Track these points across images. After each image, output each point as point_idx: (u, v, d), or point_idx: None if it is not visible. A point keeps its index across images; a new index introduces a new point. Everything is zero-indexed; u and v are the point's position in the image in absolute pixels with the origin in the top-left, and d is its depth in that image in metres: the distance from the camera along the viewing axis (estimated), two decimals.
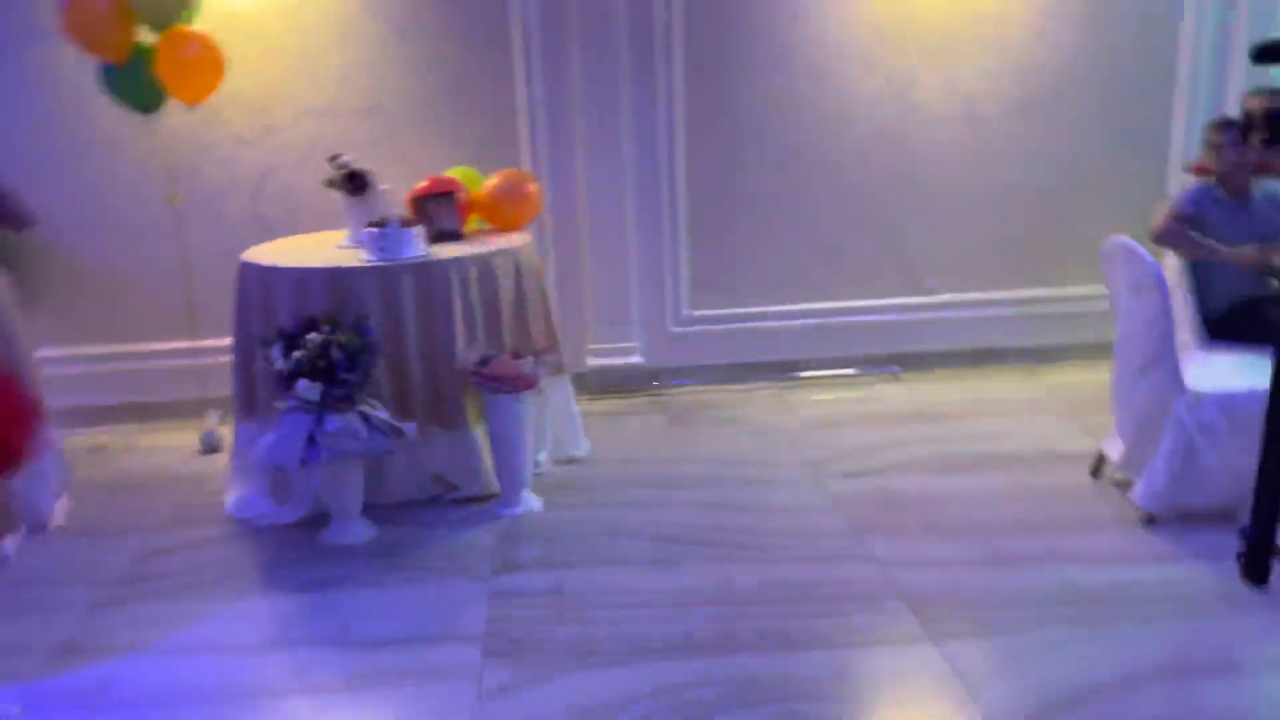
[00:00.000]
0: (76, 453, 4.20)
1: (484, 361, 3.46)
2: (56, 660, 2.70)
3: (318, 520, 3.47)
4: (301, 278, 3.48)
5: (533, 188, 4.14)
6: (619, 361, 4.80)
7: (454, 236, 3.87)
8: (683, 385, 4.87)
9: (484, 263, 3.64)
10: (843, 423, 4.35)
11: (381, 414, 3.34)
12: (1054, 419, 4.28)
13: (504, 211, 4.07)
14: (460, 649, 2.70)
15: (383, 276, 3.48)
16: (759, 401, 4.68)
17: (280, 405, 3.29)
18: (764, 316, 4.90)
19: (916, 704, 2.43)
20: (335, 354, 3.21)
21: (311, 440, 3.21)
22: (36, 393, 3.50)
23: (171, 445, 4.31)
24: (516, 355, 3.54)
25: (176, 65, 3.89)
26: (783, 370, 4.94)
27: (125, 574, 3.21)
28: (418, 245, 3.58)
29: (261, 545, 3.42)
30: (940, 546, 3.19)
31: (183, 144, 4.38)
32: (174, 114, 4.13)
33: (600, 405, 4.68)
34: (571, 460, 4.02)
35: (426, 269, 3.52)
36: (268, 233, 4.34)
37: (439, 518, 3.56)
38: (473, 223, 4.11)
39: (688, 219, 4.78)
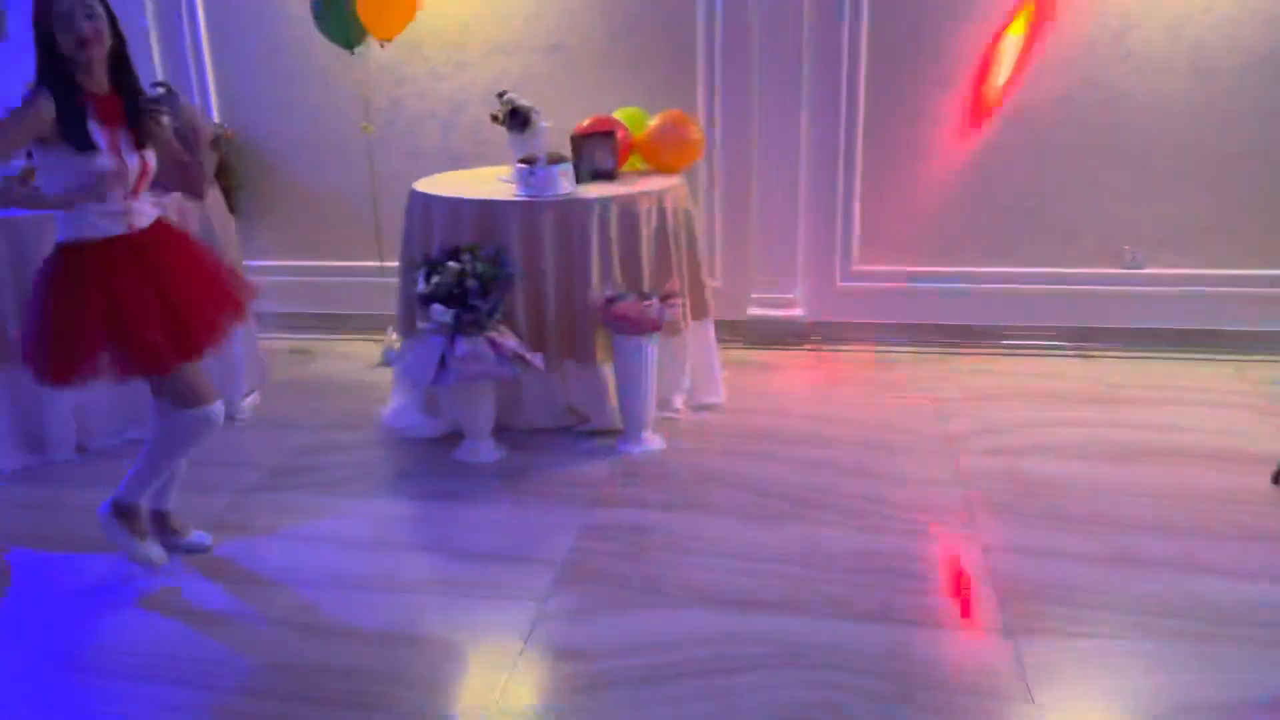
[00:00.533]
0: (278, 354, 4.73)
1: (613, 300, 3.55)
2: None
3: (456, 437, 3.73)
4: (455, 207, 3.70)
5: (693, 131, 4.14)
6: (779, 313, 4.74)
7: (608, 175, 3.95)
8: (842, 342, 4.74)
9: (627, 203, 3.70)
10: (1004, 397, 4.08)
11: (511, 343, 3.51)
12: (1251, 416, 3.80)
13: (662, 154, 4.11)
14: (537, 571, 2.85)
15: (526, 211, 3.63)
16: (922, 367, 4.47)
17: (421, 326, 3.55)
18: (938, 277, 4.64)
19: (965, 694, 2.31)
20: (470, 282, 3.41)
21: (443, 361, 3.44)
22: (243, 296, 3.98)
23: (356, 355, 4.74)
24: (646, 297, 3.59)
25: (371, 3, 4.19)
26: (954, 336, 4.67)
27: (282, 465, 3.62)
28: (562, 183, 3.69)
29: (403, 454, 3.74)
30: (1058, 537, 2.96)
31: (384, 77, 4.73)
32: (375, 49, 4.46)
33: (755, 355, 4.65)
34: (707, 407, 4.04)
35: (568, 206, 3.63)
36: (455, 163, 4.62)
37: (564, 447, 3.72)
38: (633, 163, 4.18)
39: (863, 168, 4.59)
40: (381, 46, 4.43)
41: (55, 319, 2.60)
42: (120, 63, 2.61)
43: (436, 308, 3.40)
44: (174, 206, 3.62)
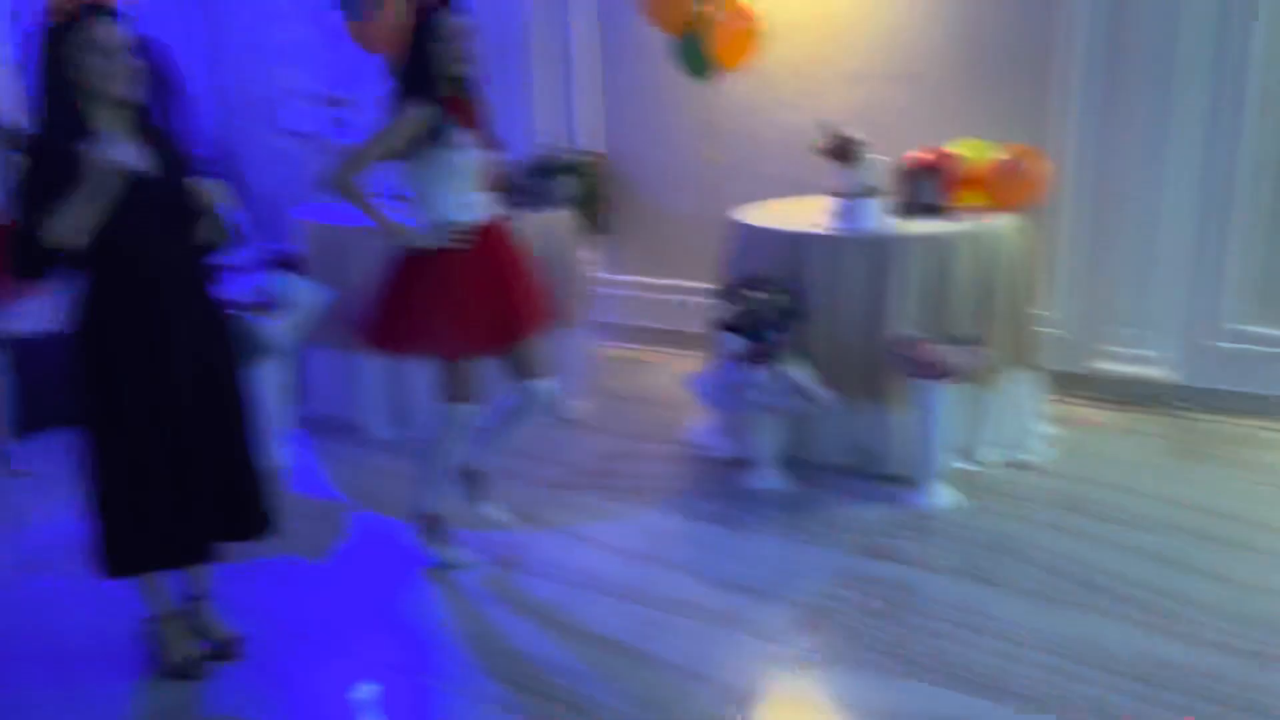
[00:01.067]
0: (617, 362, 5.09)
1: (912, 341, 3.39)
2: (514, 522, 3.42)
3: (748, 462, 3.78)
4: (765, 237, 3.75)
5: (1033, 167, 3.82)
6: (1133, 370, 4.20)
7: (934, 211, 3.78)
8: (1207, 410, 4.09)
9: (944, 242, 3.52)
10: None
11: (802, 377, 3.49)
12: None
13: (1000, 190, 3.84)
14: (780, 609, 2.82)
15: (833, 245, 3.58)
16: None
17: (718, 352, 3.64)
18: None
19: None
20: (766, 312, 3.44)
21: (734, 388, 3.51)
22: (570, 305, 4.35)
23: (682, 371, 4.95)
24: (952, 341, 3.38)
25: (722, 37, 4.36)
26: None
27: (584, 466, 3.90)
28: (875, 218, 3.59)
29: (694, 471, 3.86)
30: None
31: (735, 106, 4.89)
32: (730, 78, 4.63)
33: (1097, 414, 4.17)
34: (1020, 464, 3.71)
35: (878, 242, 3.53)
36: (798, 191, 4.64)
37: (850, 487, 3.62)
38: (970, 198, 3.95)
39: (1250, 212, 3.93)
40: (730, 77, 4.58)
41: (395, 296, 2.96)
42: (472, 68, 2.92)
43: (730, 335, 3.48)
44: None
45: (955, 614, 2.77)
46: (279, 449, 3.97)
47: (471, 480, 3.28)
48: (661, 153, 5.27)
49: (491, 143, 3.04)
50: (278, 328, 3.81)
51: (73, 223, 2.16)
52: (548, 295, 3.22)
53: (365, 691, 2.60)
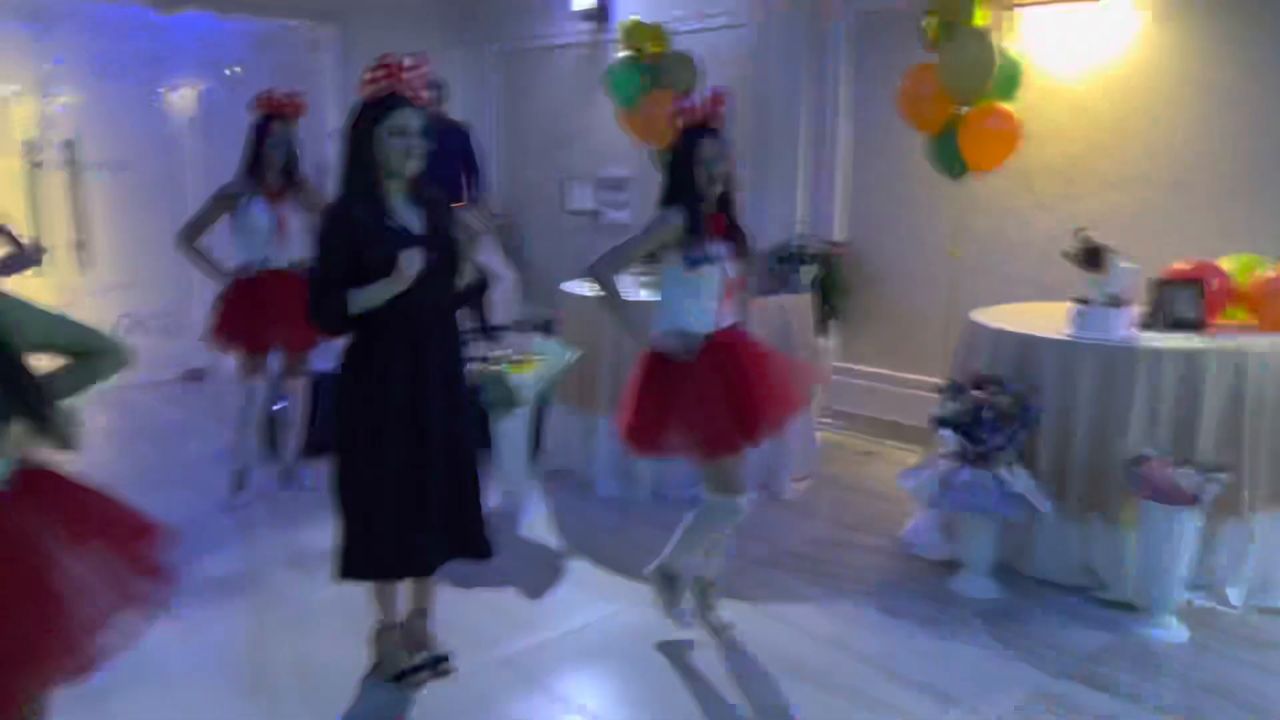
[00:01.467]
0: (844, 450, 5.12)
1: (1146, 461, 3.21)
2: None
3: (959, 565, 3.69)
4: (997, 338, 3.70)
5: None
6: None
7: (1191, 326, 3.58)
8: None
9: (1192, 358, 3.33)
10: None
11: (1020, 484, 3.38)
12: None
13: (1266, 309, 3.58)
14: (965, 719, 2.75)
15: (1066, 351, 3.48)
16: None
17: (937, 449, 3.61)
18: None
19: None
20: (986, 414, 3.39)
21: (946, 486, 3.46)
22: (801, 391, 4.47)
23: (909, 465, 4.90)
24: (1191, 465, 3.17)
25: (977, 137, 4.38)
26: None
27: (792, 549, 3.96)
28: (1117, 327, 3.45)
29: (901, 567, 3.81)
30: None
31: (986, 205, 4.86)
32: (984, 178, 4.63)
33: None
34: (1270, 610, 3.37)
35: (1114, 353, 3.40)
36: (1044, 295, 4.53)
37: (1066, 607, 3.44)
38: (1231, 315, 3.71)
39: None
40: (985, 177, 4.58)
41: (644, 398, 3.12)
42: (728, 185, 3.11)
43: (945, 433, 3.45)
44: (756, 303, 4.24)
45: None
46: (517, 493, 4.35)
47: (701, 589, 3.35)
48: (905, 247, 5.32)
49: (743, 252, 3.15)
50: (527, 381, 4.21)
51: (371, 303, 2.59)
52: (790, 390, 3.25)
53: None
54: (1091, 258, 3.85)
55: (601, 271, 3.08)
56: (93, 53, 6.55)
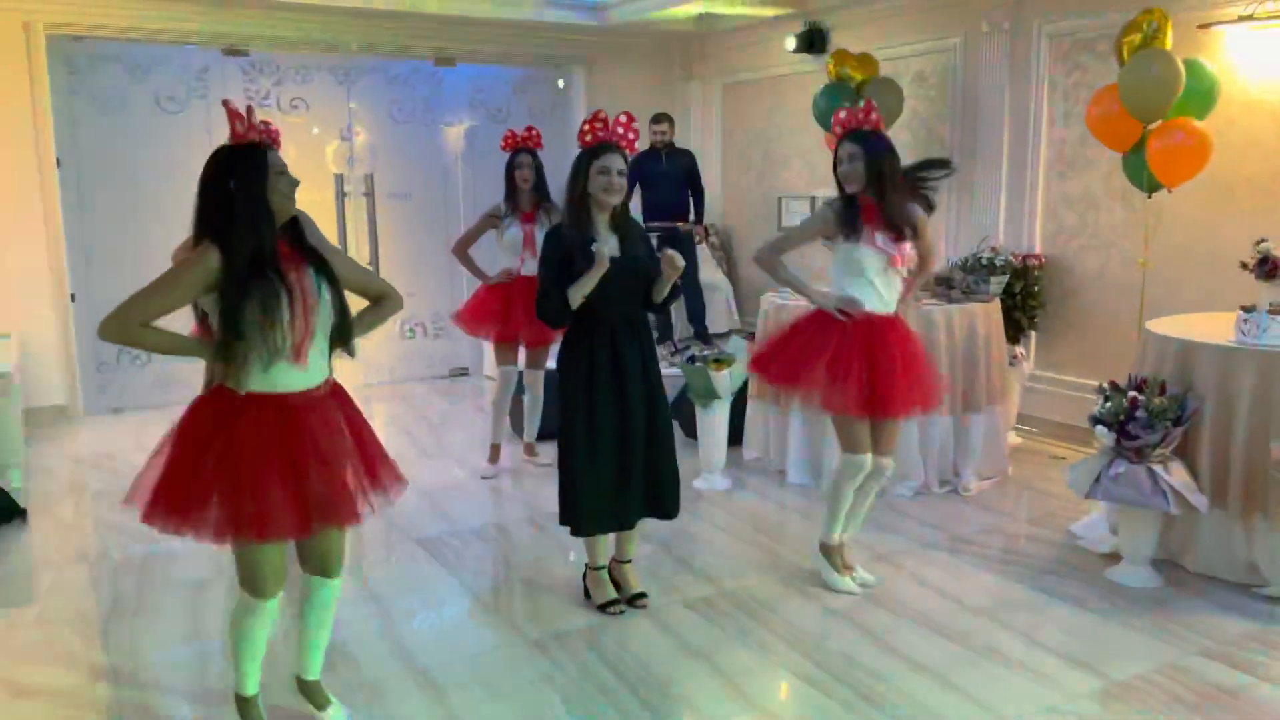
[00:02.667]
0: (1029, 452, 5.37)
1: None
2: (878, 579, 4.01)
3: (1119, 557, 3.91)
4: (1163, 343, 3.90)
5: None
6: None
7: None
8: None
9: None
10: None
11: (1176, 479, 3.59)
12: None
13: None
14: (1087, 679, 3.05)
15: (1227, 356, 3.64)
16: None
17: (1098, 446, 3.87)
18: None
19: None
20: (1139, 413, 3.64)
21: (1104, 481, 3.72)
22: (984, 390, 4.81)
23: None
24: None
25: (1163, 153, 4.54)
26: None
27: (960, 534, 4.30)
28: (1277, 334, 3.58)
29: (1066, 556, 4.06)
30: None
31: (1178, 218, 4.97)
32: (1177, 192, 4.77)
33: None
34: None
35: (1274, 359, 3.53)
36: (1229, 305, 4.58)
37: (1228, 601, 3.58)
38: None
39: None
40: (1177, 191, 4.71)
41: (792, 339, 3.73)
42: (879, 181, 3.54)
43: (1100, 428, 3.72)
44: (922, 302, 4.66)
45: None
46: (715, 475, 4.99)
47: (838, 550, 3.83)
48: (1099, 258, 5.46)
49: (904, 239, 3.58)
50: (724, 378, 4.83)
51: (581, 292, 3.30)
52: (927, 387, 3.69)
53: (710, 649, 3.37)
54: (1268, 268, 3.98)
55: (763, 256, 3.75)
56: (387, 101, 7.85)
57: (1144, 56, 4.40)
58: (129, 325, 2.44)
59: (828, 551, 3.80)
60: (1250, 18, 4.57)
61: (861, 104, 3.67)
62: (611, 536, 3.66)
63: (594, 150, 3.36)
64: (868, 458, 3.65)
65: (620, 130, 3.38)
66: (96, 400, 6.73)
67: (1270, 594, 3.57)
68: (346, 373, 2.86)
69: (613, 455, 3.45)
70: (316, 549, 2.70)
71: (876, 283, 3.60)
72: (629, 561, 3.72)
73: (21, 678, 3.18)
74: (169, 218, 6.31)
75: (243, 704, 2.77)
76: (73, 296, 6.47)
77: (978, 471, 4.94)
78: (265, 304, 2.41)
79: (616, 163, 3.34)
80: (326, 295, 2.56)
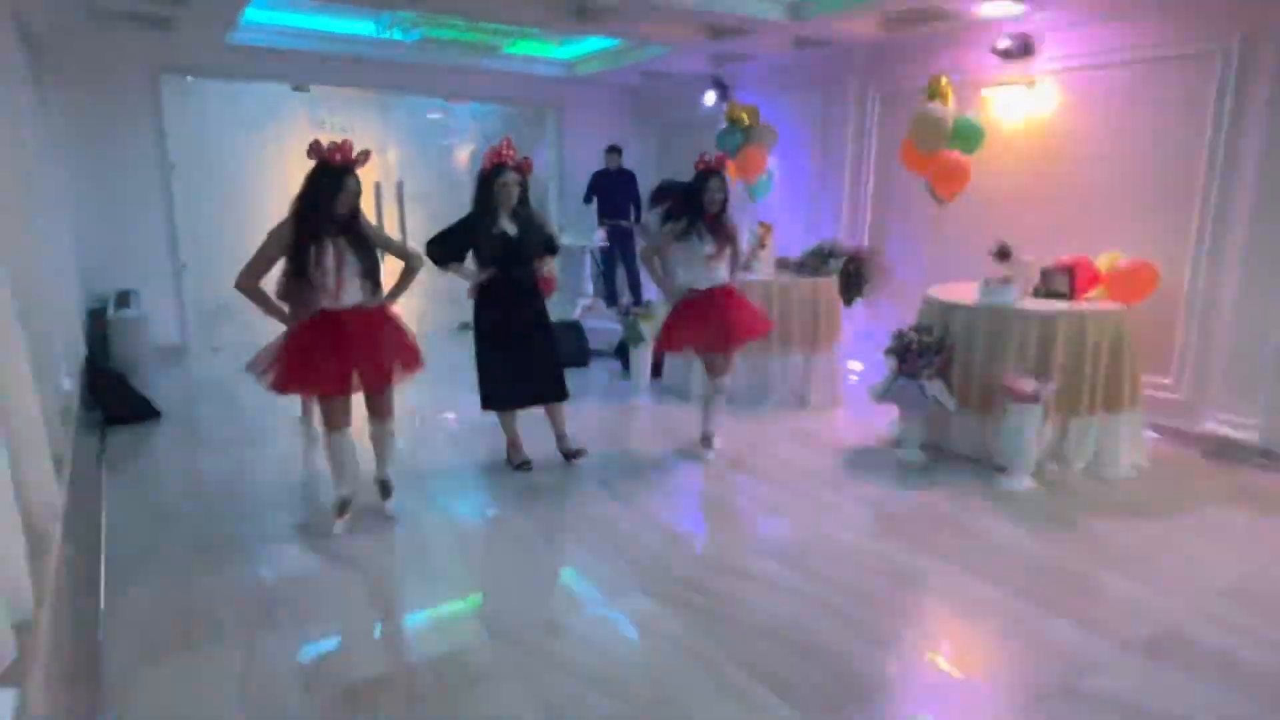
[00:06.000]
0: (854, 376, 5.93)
1: (1010, 376, 3.93)
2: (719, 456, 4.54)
3: (900, 442, 4.45)
4: (934, 304, 4.43)
5: (1145, 274, 4.10)
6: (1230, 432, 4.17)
7: (1062, 297, 4.23)
8: None
9: (1046, 316, 3.96)
10: None
11: (937, 390, 4.15)
12: None
13: (1114, 288, 4.18)
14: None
15: (970, 311, 4.19)
16: None
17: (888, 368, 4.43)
18: None
19: None
20: (914, 347, 4.19)
21: (890, 392, 4.28)
22: (825, 338, 5.33)
23: None
24: (1034, 378, 3.87)
25: (943, 179, 5.07)
26: None
27: (795, 431, 4.84)
28: (1004, 296, 4.15)
29: (870, 446, 4.62)
30: None
31: (955, 219, 5.51)
32: (954, 204, 5.30)
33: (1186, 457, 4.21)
34: (1100, 478, 4.01)
35: (999, 311, 4.08)
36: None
37: (971, 469, 4.17)
38: (1094, 293, 4.31)
39: None
40: (944, 205, 5.25)
41: (671, 322, 4.22)
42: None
43: (888, 358, 4.28)
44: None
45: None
46: (640, 395, 5.48)
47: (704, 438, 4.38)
48: (904, 245, 6.01)
49: (728, 242, 4.11)
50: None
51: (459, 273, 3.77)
52: (750, 326, 4.17)
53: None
54: (1002, 253, 4.54)
55: (646, 255, 4.21)
56: (411, 126, 8.15)
57: (924, 111, 4.91)
58: (248, 281, 2.99)
59: (705, 439, 4.35)
60: (1004, 83, 5.12)
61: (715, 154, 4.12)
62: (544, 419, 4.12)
63: (494, 170, 3.73)
64: (726, 380, 4.26)
65: (508, 154, 3.76)
66: (201, 341, 7.04)
67: (997, 465, 4.15)
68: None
69: (509, 357, 3.86)
70: (373, 403, 3.32)
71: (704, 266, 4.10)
72: (564, 435, 4.15)
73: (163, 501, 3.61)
74: (249, 207, 6.64)
75: (340, 502, 3.38)
76: (184, 265, 6.76)
77: (821, 391, 5.48)
78: (314, 258, 3.01)
79: (508, 179, 3.73)
80: (355, 256, 3.10)
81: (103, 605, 2.72)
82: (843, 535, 3.35)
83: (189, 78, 6.76)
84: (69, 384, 3.51)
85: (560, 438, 4.17)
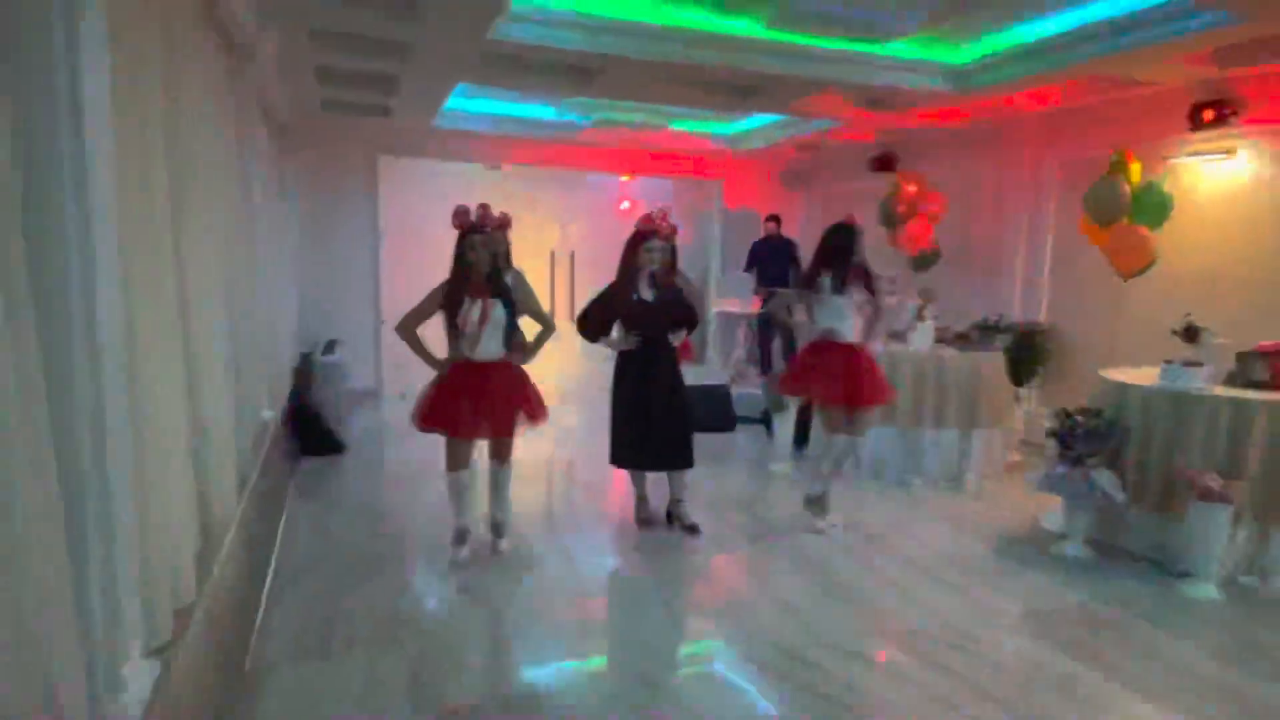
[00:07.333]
0: (1023, 465, 5.46)
1: (1193, 471, 3.49)
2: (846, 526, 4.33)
3: (1064, 537, 4.05)
4: (1105, 384, 4.07)
5: None
6: None
7: (1261, 386, 3.73)
8: None
9: (1242, 407, 3.52)
10: None
11: (1107, 482, 3.77)
12: None
13: None
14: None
15: (1147, 394, 3.80)
16: None
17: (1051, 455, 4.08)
18: None
19: None
20: (1078, 430, 3.85)
21: (1053, 481, 3.93)
22: (984, 413, 5.01)
23: None
24: (1214, 472, 3.42)
25: (1125, 253, 4.68)
26: None
27: (950, 515, 4.54)
28: (1192, 379, 3.72)
29: (1029, 535, 4.23)
30: None
31: (1136, 297, 5.03)
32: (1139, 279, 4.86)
33: None
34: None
35: (1184, 398, 3.67)
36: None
37: (1134, 568, 3.72)
38: None
39: None
40: (1125, 280, 4.82)
41: (799, 360, 4.24)
42: None
43: (1049, 440, 3.95)
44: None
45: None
46: (782, 463, 5.41)
47: (819, 501, 4.22)
48: (1086, 324, 5.54)
49: (869, 295, 4.07)
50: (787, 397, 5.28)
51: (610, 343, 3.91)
52: (880, 390, 4.06)
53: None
54: (1189, 334, 4.10)
55: (775, 309, 4.31)
56: (588, 201, 8.76)
57: (1102, 180, 4.59)
58: (407, 329, 3.36)
59: (812, 501, 4.21)
60: (1199, 152, 4.69)
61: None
62: (663, 482, 4.14)
63: (642, 235, 3.87)
64: (842, 438, 4.13)
65: (657, 221, 3.89)
66: (390, 386, 7.83)
67: (1177, 570, 3.65)
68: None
69: (636, 422, 3.93)
70: (495, 447, 3.61)
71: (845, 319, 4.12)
72: (680, 500, 4.12)
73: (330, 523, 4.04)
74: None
75: (458, 532, 3.66)
76: (383, 320, 7.62)
77: (978, 473, 5.13)
78: (460, 314, 3.37)
79: (656, 243, 3.84)
80: (500, 314, 3.41)
81: (262, 608, 3.09)
82: (979, 629, 3.10)
83: (402, 158, 7.75)
84: (268, 415, 4.06)
85: (675, 502, 4.16)
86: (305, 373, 5.78)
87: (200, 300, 2.22)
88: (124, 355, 1.51)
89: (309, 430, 5.43)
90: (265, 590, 3.24)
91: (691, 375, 4.87)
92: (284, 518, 4.13)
